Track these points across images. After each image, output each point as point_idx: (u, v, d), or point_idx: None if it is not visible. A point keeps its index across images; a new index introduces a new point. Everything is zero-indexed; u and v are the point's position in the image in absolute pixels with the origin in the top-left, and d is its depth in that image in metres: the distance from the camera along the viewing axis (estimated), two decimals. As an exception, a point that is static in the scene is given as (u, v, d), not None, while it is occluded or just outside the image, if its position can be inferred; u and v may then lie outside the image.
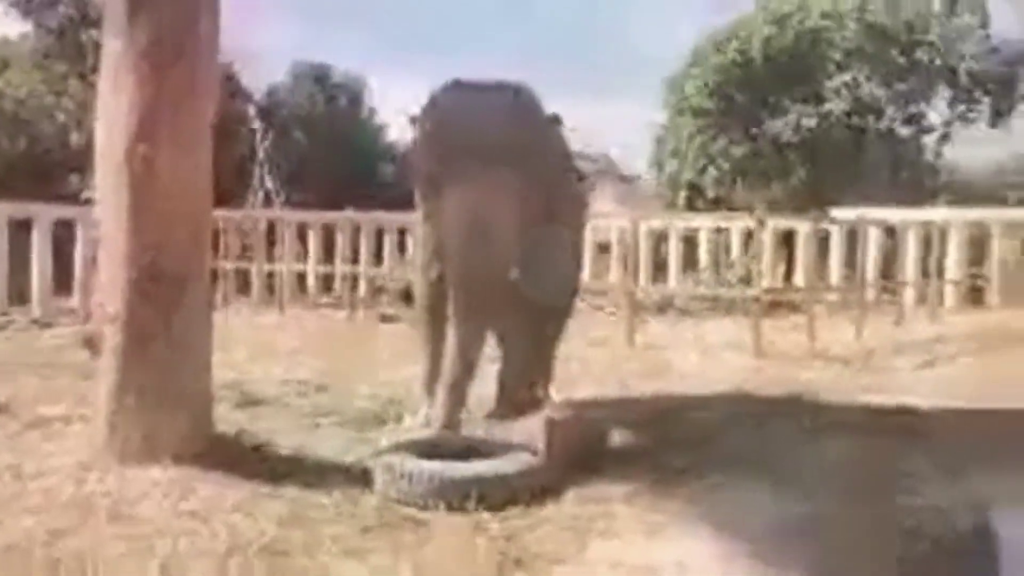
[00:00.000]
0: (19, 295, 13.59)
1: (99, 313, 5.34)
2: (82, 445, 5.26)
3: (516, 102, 5.95)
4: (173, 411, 5.05)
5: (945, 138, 21.97)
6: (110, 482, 4.67)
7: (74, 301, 13.39)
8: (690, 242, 17.67)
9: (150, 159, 4.97)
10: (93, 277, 6.16)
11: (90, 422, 5.37)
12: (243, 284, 15.80)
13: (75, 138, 17.78)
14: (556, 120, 6.19)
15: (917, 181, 20.78)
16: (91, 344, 5.66)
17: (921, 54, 20.61)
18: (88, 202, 10.18)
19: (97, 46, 5.69)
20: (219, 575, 3.69)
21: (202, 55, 5.27)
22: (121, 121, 5.00)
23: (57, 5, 19.69)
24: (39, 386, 7.23)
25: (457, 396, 5.55)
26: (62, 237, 13.89)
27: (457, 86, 5.90)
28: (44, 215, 13.87)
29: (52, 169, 17.75)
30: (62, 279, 13.92)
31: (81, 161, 15.43)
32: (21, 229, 13.80)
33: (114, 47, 5.10)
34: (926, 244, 16.11)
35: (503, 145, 5.45)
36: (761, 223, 14.41)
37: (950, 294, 16.24)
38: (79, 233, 13.54)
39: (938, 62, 20.64)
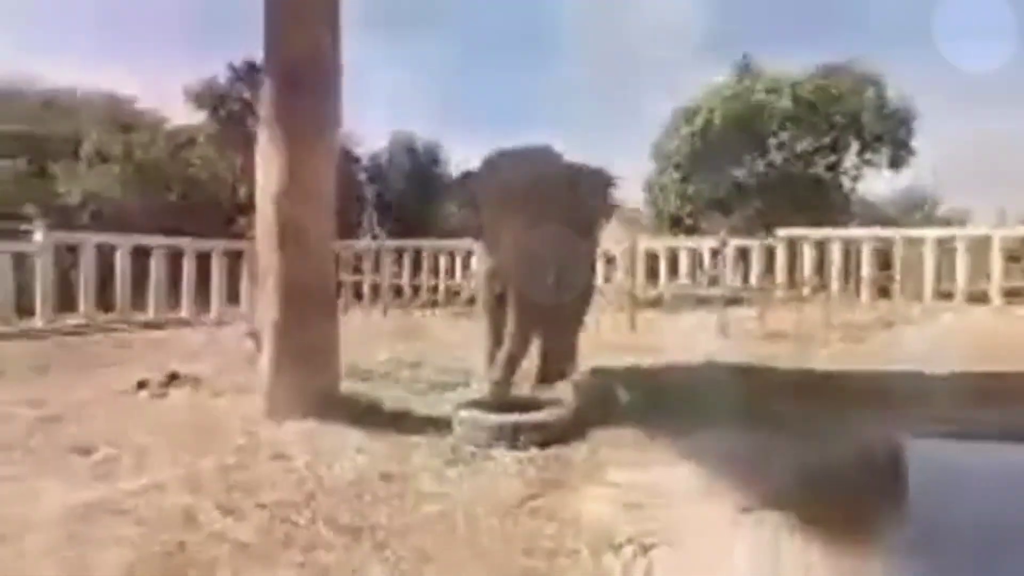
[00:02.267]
0: (203, 303, 13.90)
1: (260, 317, 5.46)
2: (249, 407, 5.36)
3: (546, 158, 5.97)
4: (311, 383, 5.14)
5: (856, 179, 21.58)
6: (270, 432, 4.76)
7: (242, 308, 13.63)
8: (673, 257, 17.51)
9: (295, 219, 5.08)
10: (255, 290, 6.25)
11: (255, 392, 5.48)
12: (356, 293, 15.93)
13: (241, 193, 18.20)
14: (579, 169, 6.16)
15: (837, 209, 20.40)
16: (255, 338, 5.76)
17: (837, 118, 20.29)
18: (251, 238, 10.36)
19: (254, 133, 5.79)
20: (348, 494, 3.74)
21: (328, 140, 5.38)
22: (272, 183, 5.10)
23: (225, 100, 20.04)
24: (220, 366, 7.36)
25: (511, 369, 5.58)
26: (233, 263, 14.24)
27: (502, 152, 5.94)
28: (219, 247, 14.19)
29: (222, 211, 18.11)
30: (232, 293, 14.22)
31: (244, 209, 15.74)
32: (203, 258, 14.11)
33: (266, 133, 5.22)
34: (845, 254, 15.82)
35: (542, 190, 5.48)
36: (724, 243, 14.21)
37: (864, 290, 15.90)
38: (245, 260, 13.91)
39: (849, 123, 20.32)
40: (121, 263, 12.96)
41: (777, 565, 3.02)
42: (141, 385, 6.39)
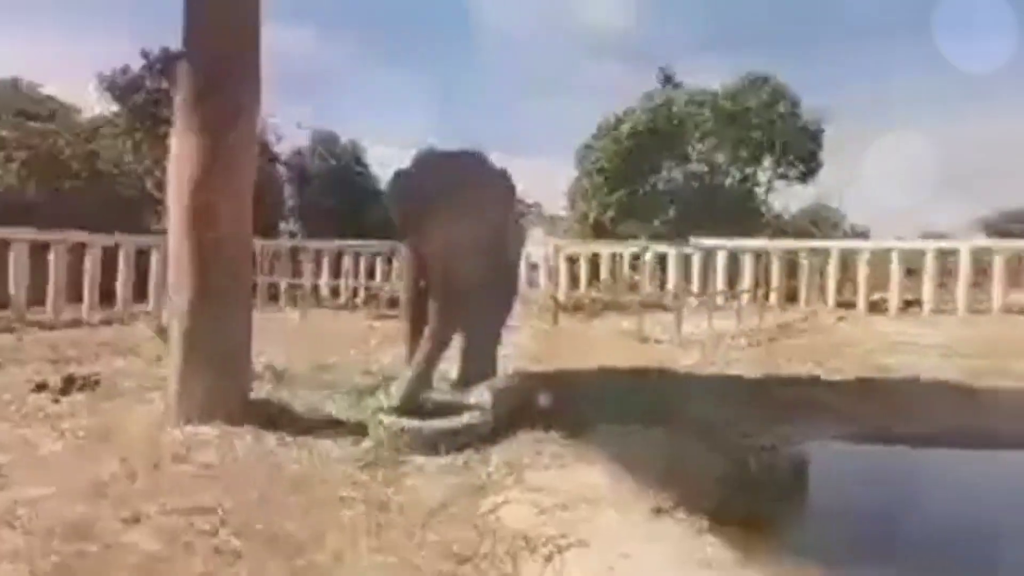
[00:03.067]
0: (109, 301, 13.24)
1: (168, 314, 5.24)
2: (155, 410, 5.14)
3: (473, 163, 5.98)
4: (222, 385, 4.96)
5: (769, 191, 22.48)
6: (175, 436, 4.57)
7: (150, 306, 13.07)
8: (594, 262, 17.80)
9: (209, 205, 4.89)
10: (164, 288, 6.01)
11: (162, 393, 5.25)
12: (273, 294, 15.52)
13: (148, 185, 17.44)
14: (504, 175, 6.20)
15: (750, 220, 21.19)
16: (162, 337, 5.52)
17: (753, 132, 21.08)
18: (162, 233, 9.95)
19: (167, 120, 5.57)
20: (259, 498, 3.63)
21: (246, 130, 5.19)
22: (187, 176, 4.91)
23: (138, 90, 19.20)
24: (125, 367, 7.03)
25: (429, 371, 5.54)
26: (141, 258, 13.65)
27: (431, 152, 5.91)
28: (128, 243, 13.55)
29: (131, 208, 17.29)
30: (140, 290, 13.61)
31: (153, 203, 15.09)
32: (110, 253, 13.45)
33: (182, 123, 5.01)
34: (756, 263, 16.49)
35: (466, 194, 5.48)
36: (645, 249, 14.55)
37: (773, 297, 16.58)
38: (154, 255, 13.34)
39: (764, 138, 21.14)
40: (16, 258, 12.21)
41: (689, 566, 3.10)
42: (39, 388, 6.04)
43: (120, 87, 18.88)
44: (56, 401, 5.71)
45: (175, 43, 5.55)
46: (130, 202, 17.56)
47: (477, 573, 2.93)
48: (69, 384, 6.12)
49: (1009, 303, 14.84)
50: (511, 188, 6.24)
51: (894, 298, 15.64)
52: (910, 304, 15.62)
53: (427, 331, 5.61)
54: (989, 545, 3.90)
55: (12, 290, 12.08)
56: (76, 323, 11.89)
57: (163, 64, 17.95)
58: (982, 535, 4.07)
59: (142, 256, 13.69)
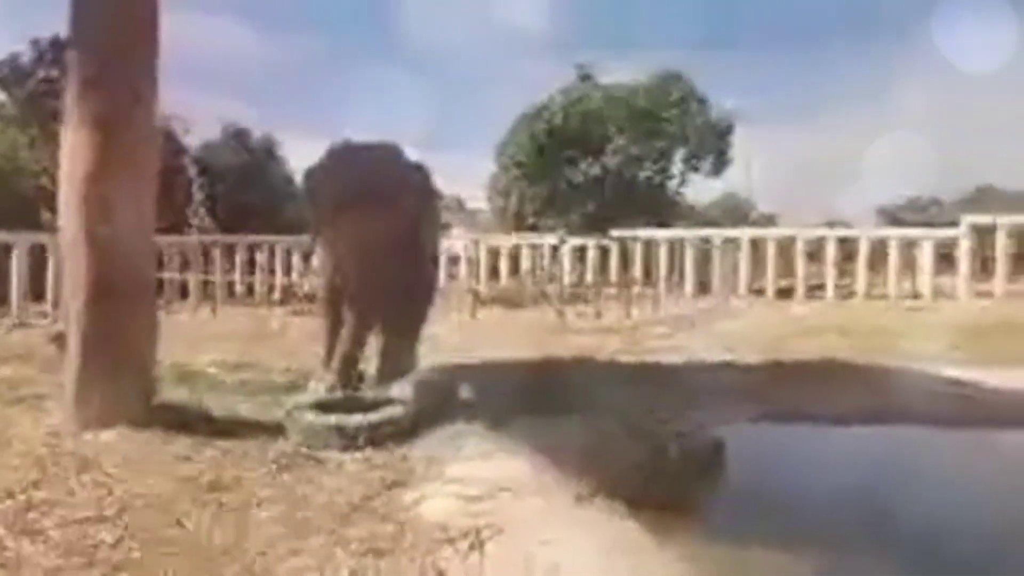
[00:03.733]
0: (2, 302, 12.44)
1: (65, 316, 4.93)
2: (53, 416, 4.84)
3: (388, 156, 5.87)
4: (124, 388, 4.70)
5: (682, 183, 23.12)
6: (74, 443, 4.32)
7: (47, 307, 12.35)
8: (515, 255, 17.88)
9: (103, 198, 4.61)
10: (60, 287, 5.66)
11: (59, 400, 4.95)
12: (183, 291, 14.91)
13: (45, 181, 16.42)
14: (420, 168, 6.13)
15: (665, 212, 21.74)
16: (58, 341, 5.21)
17: (666, 127, 21.61)
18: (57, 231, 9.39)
19: (59, 112, 5.21)
20: (167, 506, 3.46)
21: (143, 120, 4.92)
22: (80, 170, 4.61)
23: (28, 80, 18.07)
24: (16, 373, 6.60)
25: (347, 367, 5.44)
26: (37, 257, 12.84)
27: (346, 145, 5.78)
28: (23, 241, 12.74)
29: (28, 206, 16.26)
30: (36, 291, 12.84)
31: (50, 199, 14.19)
32: (3, 252, 12.62)
33: (74, 114, 4.70)
34: (671, 253, 16.94)
35: (380, 187, 5.38)
36: (563, 241, 14.68)
37: (688, 286, 17.07)
38: (50, 255, 12.55)
39: (676, 132, 21.71)
40: None
41: (610, 551, 3.13)
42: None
43: (9, 77, 17.72)
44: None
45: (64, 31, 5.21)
46: (26, 198, 16.53)
47: (396, 567, 2.87)
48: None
49: (903, 289, 15.77)
50: (427, 180, 6.17)
51: (800, 284, 16.35)
52: (814, 289, 16.37)
53: (343, 330, 5.52)
54: (892, 513, 4.09)
55: None
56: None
57: (54, 54, 16.96)
58: (888, 506, 4.26)
59: (42, 254, 12.92)
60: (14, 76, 18.30)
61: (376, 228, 5.35)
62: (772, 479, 4.97)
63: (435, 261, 7.00)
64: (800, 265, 16.46)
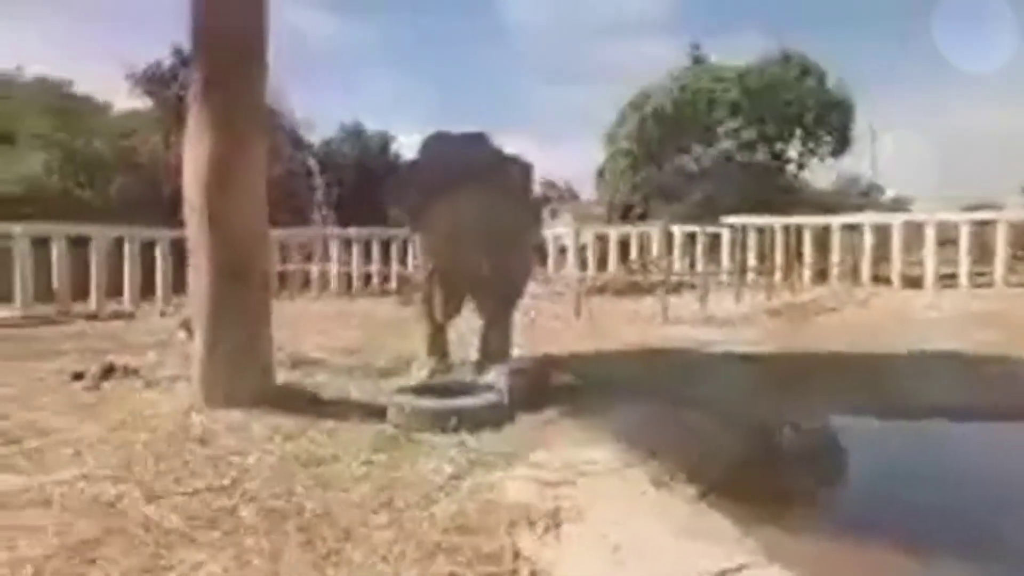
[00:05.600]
0: (150, 293, 13.71)
1: (190, 304, 5.41)
2: (182, 397, 5.35)
3: (477, 145, 6.04)
4: (246, 371, 5.14)
5: (800, 167, 22.12)
6: (199, 420, 4.76)
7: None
8: (623, 244, 17.78)
9: (220, 194, 5.03)
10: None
11: (188, 382, 5.46)
12: (305, 282, 15.82)
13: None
14: (510, 157, 6.24)
15: (782, 197, 20.90)
16: (187, 327, 5.72)
17: (781, 108, 20.73)
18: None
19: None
20: (274, 478, 3.79)
21: (255, 120, 5.31)
22: (200, 167, 5.06)
23: (172, 85, 19.61)
24: (158, 356, 7.27)
25: (442, 349, 5.71)
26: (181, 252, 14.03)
27: (439, 136, 5.99)
28: (165, 237, 13.92)
29: (171, 204, 17.63)
30: (179, 283, 14.01)
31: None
32: (149, 247, 13.87)
33: (195, 111, 5.15)
34: (787, 241, 16.30)
35: (468, 176, 5.56)
36: (667, 230, 14.45)
37: (807, 275, 16.40)
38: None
39: (792, 113, 20.78)
40: (59, 252, 12.66)
41: (684, 534, 3.16)
42: (76, 376, 6.31)
43: (152, 83, 19.31)
44: (94, 388, 5.97)
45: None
46: (168, 198, 18.02)
47: (476, 544, 3.03)
48: (107, 372, 6.38)
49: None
50: (518, 168, 6.24)
51: (929, 272, 15.34)
52: (944, 278, 15.30)
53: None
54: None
55: (56, 283, 12.55)
56: (118, 314, 12.31)
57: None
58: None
59: (184, 249, 14.07)
60: (158, 82, 19.94)
61: (465, 216, 5.53)
62: (869, 474, 4.81)
63: (529, 249, 7.04)
64: (930, 251, 15.44)
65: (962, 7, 23.10)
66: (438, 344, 6.25)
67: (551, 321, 10.33)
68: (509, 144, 6.33)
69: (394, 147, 24.27)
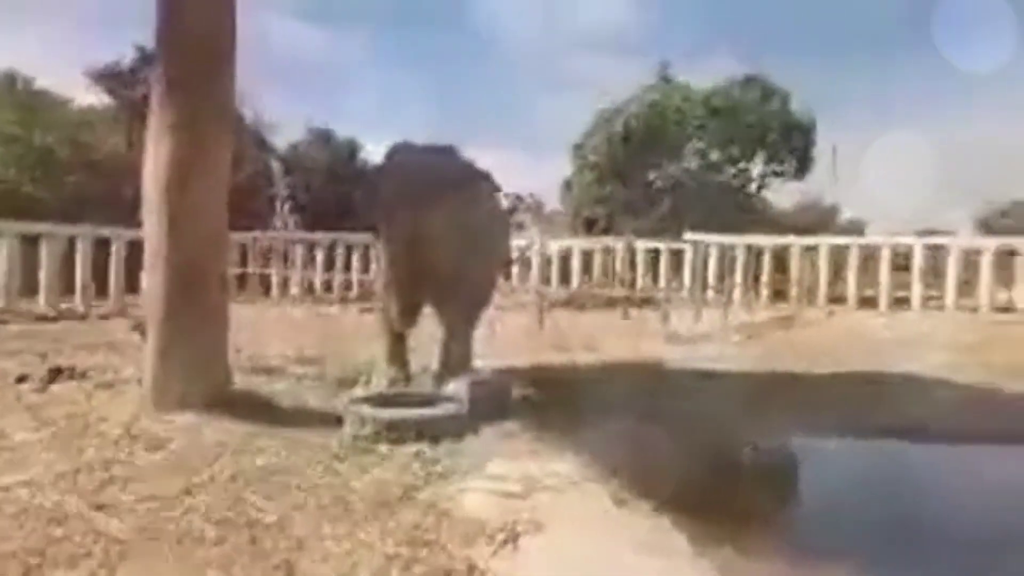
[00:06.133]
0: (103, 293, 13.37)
1: (145, 305, 5.29)
2: (132, 401, 5.21)
3: (443, 157, 6.05)
4: (199, 375, 5.02)
5: (761, 187, 22.55)
6: (149, 426, 4.64)
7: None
8: (587, 257, 17.87)
9: (181, 191, 4.93)
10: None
11: (139, 385, 5.32)
12: (265, 286, 15.59)
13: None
14: (475, 169, 6.23)
15: (744, 216, 21.26)
16: (140, 328, 5.59)
17: (745, 129, 21.14)
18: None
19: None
20: (229, 487, 3.70)
21: (220, 123, 5.23)
22: (161, 167, 4.96)
23: (136, 85, 19.22)
24: (107, 358, 7.09)
25: (403, 362, 5.66)
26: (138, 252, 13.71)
27: (404, 146, 5.97)
28: (122, 237, 13.57)
29: (129, 204, 17.26)
30: (134, 283, 13.70)
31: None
32: (104, 246, 13.53)
33: (157, 113, 5.05)
34: (747, 260, 16.57)
35: (432, 187, 5.55)
36: (631, 245, 14.57)
37: (764, 294, 16.68)
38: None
39: (756, 133, 21.19)
40: (8, 251, 12.28)
41: (641, 549, 3.17)
42: (20, 379, 6.11)
43: (112, 80, 18.92)
44: (40, 390, 5.78)
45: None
46: (127, 198, 17.63)
47: (432, 556, 2.99)
48: (54, 374, 6.20)
49: (996, 301, 14.94)
50: (482, 180, 6.25)
51: (884, 293, 15.73)
52: (900, 301, 15.71)
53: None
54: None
55: (3, 282, 12.16)
56: (68, 314, 11.97)
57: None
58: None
59: (140, 249, 13.75)
60: (117, 79, 19.52)
61: (427, 227, 5.51)
62: (831, 493, 4.87)
63: (493, 261, 7.01)
64: (884, 273, 15.85)
65: (962, 7, 23.70)
66: (397, 353, 6.20)
67: (511, 332, 10.30)
68: (479, 154, 6.35)
69: (362, 155, 24.14)
